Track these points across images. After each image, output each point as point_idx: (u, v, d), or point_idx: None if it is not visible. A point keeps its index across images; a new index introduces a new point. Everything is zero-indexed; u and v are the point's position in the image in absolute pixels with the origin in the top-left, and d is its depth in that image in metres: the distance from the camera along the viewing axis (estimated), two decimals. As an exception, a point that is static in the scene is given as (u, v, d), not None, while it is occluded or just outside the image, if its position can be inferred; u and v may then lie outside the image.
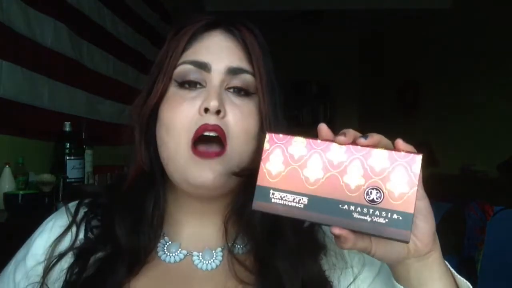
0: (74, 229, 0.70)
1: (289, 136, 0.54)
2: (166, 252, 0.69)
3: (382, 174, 0.50)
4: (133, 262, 0.66)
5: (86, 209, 0.72)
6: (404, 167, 0.50)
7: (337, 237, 0.52)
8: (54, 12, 2.15)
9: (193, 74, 0.67)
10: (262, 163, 0.54)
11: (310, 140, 0.53)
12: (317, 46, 5.39)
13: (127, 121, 0.71)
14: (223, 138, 0.64)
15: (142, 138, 0.70)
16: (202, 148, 0.64)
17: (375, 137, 0.52)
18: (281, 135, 0.54)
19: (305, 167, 0.53)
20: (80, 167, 2.12)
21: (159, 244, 0.70)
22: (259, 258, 0.66)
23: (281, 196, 0.53)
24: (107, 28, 2.81)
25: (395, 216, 0.49)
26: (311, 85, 5.83)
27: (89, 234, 0.69)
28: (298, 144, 0.53)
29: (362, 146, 0.51)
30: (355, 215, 0.50)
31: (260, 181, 0.54)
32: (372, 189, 0.50)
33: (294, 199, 0.52)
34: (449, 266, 0.60)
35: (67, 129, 2.10)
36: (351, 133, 0.53)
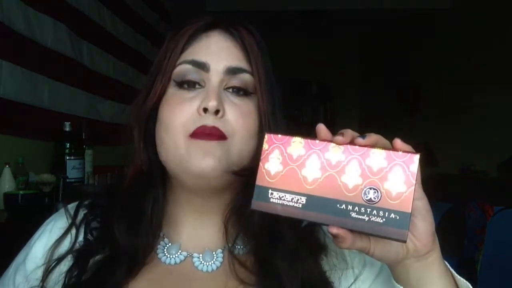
0: (73, 231, 0.70)
1: (287, 137, 0.54)
2: (166, 254, 0.69)
3: (380, 173, 0.50)
4: (132, 263, 0.66)
5: (85, 211, 0.72)
6: (401, 167, 0.50)
7: (335, 236, 0.52)
8: (54, 12, 2.15)
9: (192, 74, 0.67)
10: (261, 163, 0.55)
11: (309, 140, 0.54)
12: (317, 46, 5.39)
13: (127, 121, 0.71)
14: (222, 136, 0.64)
15: (141, 138, 0.70)
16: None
17: (373, 137, 0.53)
18: (279, 136, 0.55)
19: (304, 167, 0.53)
20: (80, 167, 2.12)
21: (159, 246, 0.70)
22: (260, 258, 0.66)
23: (279, 196, 0.53)
24: (107, 28, 2.81)
25: (392, 215, 0.49)
26: (311, 85, 5.82)
27: (89, 236, 0.69)
28: (297, 144, 0.54)
29: (360, 146, 0.52)
30: (353, 214, 0.50)
31: (259, 181, 0.54)
32: (370, 188, 0.50)
33: (292, 198, 0.53)
34: (448, 266, 0.60)
35: (67, 129, 2.11)
36: (349, 133, 0.53)
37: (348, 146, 0.52)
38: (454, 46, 4.43)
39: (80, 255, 0.67)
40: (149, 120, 0.69)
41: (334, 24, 5.05)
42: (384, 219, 0.49)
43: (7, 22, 1.83)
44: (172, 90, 0.68)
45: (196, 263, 0.68)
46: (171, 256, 0.69)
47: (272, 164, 0.54)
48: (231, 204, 0.69)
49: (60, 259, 0.67)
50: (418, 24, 4.79)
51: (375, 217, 0.50)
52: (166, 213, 0.72)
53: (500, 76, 3.97)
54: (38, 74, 2.05)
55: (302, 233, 0.67)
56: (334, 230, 0.51)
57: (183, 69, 0.67)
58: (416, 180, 0.50)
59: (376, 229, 0.50)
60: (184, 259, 0.69)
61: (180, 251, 0.69)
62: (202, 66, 0.67)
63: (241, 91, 0.67)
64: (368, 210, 0.50)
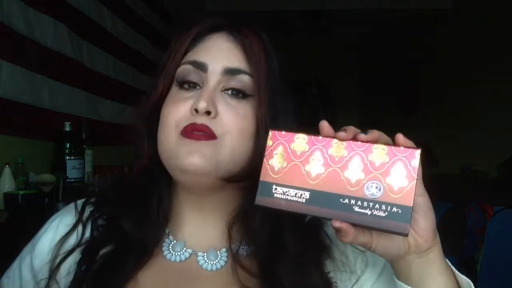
0: (80, 227, 0.71)
1: (291, 133, 0.56)
2: (171, 251, 0.70)
3: (382, 168, 0.51)
4: (140, 255, 0.67)
5: (92, 208, 0.73)
6: (403, 162, 0.51)
7: (337, 230, 0.53)
8: (54, 12, 2.15)
9: (192, 74, 0.68)
10: (265, 159, 0.56)
11: (312, 137, 0.55)
12: (317, 46, 5.39)
13: (130, 120, 0.73)
14: (211, 135, 0.64)
15: (144, 137, 0.71)
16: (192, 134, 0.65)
17: (375, 133, 0.54)
18: (283, 132, 0.56)
19: (307, 163, 0.54)
20: (80, 167, 2.12)
21: (164, 243, 0.70)
22: (263, 267, 0.66)
23: (283, 191, 0.54)
24: (107, 28, 2.81)
25: (394, 209, 0.50)
26: (311, 85, 5.82)
27: (95, 233, 0.70)
28: (300, 140, 0.55)
29: (362, 142, 0.53)
30: (356, 208, 0.51)
31: (263, 177, 0.55)
32: (372, 183, 0.51)
33: (296, 194, 0.54)
34: (449, 263, 0.60)
35: (67, 129, 2.11)
36: (351, 129, 0.54)
37: (351, 142, 0.53)
38: (454, 46, 4.44)
39: (88, 248, 0.68)
40: (152, 119, 0.70)
41: (334, 24, 5.05)
42: (386, 213, 0.50)
43: (7, 22, 1.83)
44: (174, 90, 0.69)
45: (201, 262, 0.69)
46: (176, 254, 0.69)
47: (276, 160, 0.55)
48: (236, 209, 0.69)
49: (68, 254, 0.68)
50: (418, 24, 4.79)
51: (378, 211, 0.50)
52: (171, 210, 0.72)
53: (500, 76, 3.97)
54: (38, 74, 2.04)
55: (306, 236, 0.67)
56: (337, 223, 0.52)
57: (184, 69, 0.68)
58: (417, 176, 0.50)
59: (379, 223, 0.50)
60: (189, 257, 0.69)
61: (185, 248, 0.70)
62: (201, 67, 0.67)
63: (240, 94, 0.67)
64: (371, 204, 0.51)
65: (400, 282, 0.59)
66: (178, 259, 0.69)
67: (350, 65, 5.80)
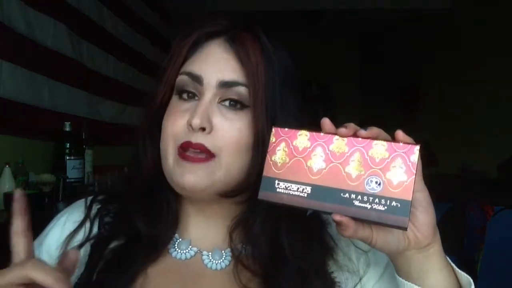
0: (87, 224, 0.71)
1: (294, 130, 0.57)
2: (177, 249, 0.70)
3: (382, 164, 0.52)
4: (151, 251, 0.68)
5: (99, 206, 0.73)
6: (402, 157, 0.52)
7: (338, 224, 0.54)
8: (54, 12, 2.15)
9: (189, 85, 0.68)
10: (268, 155, 0.58)
11: (314, 133, 0.56)
12: (317, 46, 5.38)
13: (134, 124, 0.74)
14: (208, 153, 0.65)
15: (146, 143, 0.71)
16: (189, 153, 0.65)
17: (374, 130, 0.54)
18: (286, 129, 0.58)
19: (309, 159, 0.56)
20: (80, 167, 2.13)
21: (170, 241, 0.71)
22: (265, 267, 0.67)
23: (285, 186, 0.56)
24: (107, 28, 2.81)
25: (393, 203, 0.51)
26: (311, 85, 5.82)
27: (102, 230, 0.71)
28: (302, 137, 0.57)
29: (362, 138, 0.54)
30: (356, 202, 0.52)
31: (266, 172, 0.57)
32: (372, 178, 0.52)
33: (298, 188, 0.55)
34: (449, 260, 0.61)
35: (67, 129, 2.11)
36: (352, 126, 0.55)
37: (351, 138, 0.55)
38: (454, 46, 4.43)
39: (98, 242, 0.69)
40: (152, 126, 0.71)
41: (334, 24, 5.05)
42: (385, 207, 0.51)
43: (7, 22, 1.83)
44: (174, 100, 0.69)
45: (206, 261, 0.70)
46: (181, 251, 0.70)
47: (279, 156, 0.57)
48: (237, 217, 0.70)
49: (78, 248, 0.68)
50: (418, 24, 4.79)
51: (377, 205, 0.52)
52: (178, 211, 0.73)
53: (500, 76, 3.97)
54: (38, 74, 2.04)
55: (309, 238, 0.68)
56: (337, 217, 0.53)
57: (181, 80, 0.68)
58: (416, 172, 0.51)
59: (378, 217, 0.52)
60: (194, 255, 0.70)
61: (190, 246, 0.71)
62: (196, 79, 0.67)
63: (237, 104, 0.67)
64: (371, 198, 0.52)
65: (400, 278, 0.60)
66: (183, 257, 0.70)
67: (350, 65, 5.80)
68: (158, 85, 0.70)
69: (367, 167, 0.53)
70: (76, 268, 0.54)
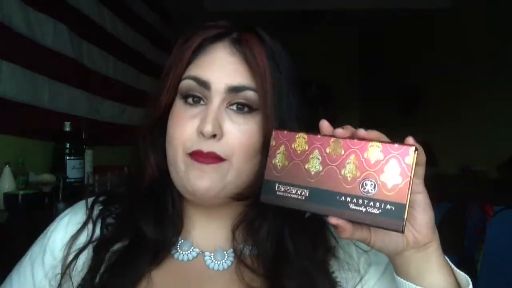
0: (90, 226, 0.71)
1: (292, 133, 0.58)
2: (179, 250, 0.70)
3: (377, 166, 0.52)
4: (155, 253, 0.68)
5: (101, 207, 0.73)
6: (397, 159, 0.51)
7: (335, 227, 0.54)
8: (54, 12, 2.15)
9: (196, 90, 0.67)
10: (268, 159, 0.59)
11: (311, 136, 0.57)
12: (317, 46, 5.39)
13: (135, 127, 0.73)
14: (219, 159, 0.65)
15: (149, 146, 0.71)
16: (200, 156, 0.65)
17: (374, 133, 0.54)
18: (285, 132, 0.58)
19: (307, 162, 0.56)
20: (80, 167, 2.13)
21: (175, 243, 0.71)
22: (267, 266, 0.67)
23: (285, 189, 0.57)
24: (107, 28, 2.81)
25: (388, 206, 0.51)
26: (311, 85, 5.82)
27: (105, 231, 0.71)
28: (300, 140, 0.57)
29: (359, 139, 0.54)
30: (351, 206, 0.53)
31: (267, 176, 0.58)
32: (367, 181, 0.52)
33: (297, 191, 0.56)
34: (448, 260, 0.61)
35: (67, 129, 2.11)
36: (350, 127, 0.55)
37: (348, 140, 0.54)
38: (454, 46, 4.44)
39: (100, 244, 0.69)
40: (156, 130, 0.70)
41: (334, 24, 5.05)
42: (380, 210, 0.51)
43: (7, 22, 1.83)
44: (178, 103, 0.68)
45: (208, 262, 0.70)
46: (183, 253, 0.70)
47: (279, 159, 0.58)
48: (240, 215, 0.70)
49: (80, 251, 0.68)
50: (418, 24, 4.79)
51: (372, 208, 0.52)
52: (180, 212, 0.73)
53: (500, 76, 3.97)
54: (38, 74, 2.04)
55: (311, 237, 0.68)
56: (333, 220, 0.53)
57: (187, 84, 0.67)
58: (414, 174, 0.51)
59: (373, 220, 0.52)
60: (196, 256, 0.70)
61: (192, 247, 0.71)
62: (204, 84, 0.66)
63: (245, 108, 0.66)
64: (366, 201, 0.52)
65: (399, 278, 0.60)
66: (185, 258, 0.70)
67: (350, 65, 5.81)
68: (160, 89, 0.70)
69: (362, 169, 0.53)
70: None
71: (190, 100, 0.67)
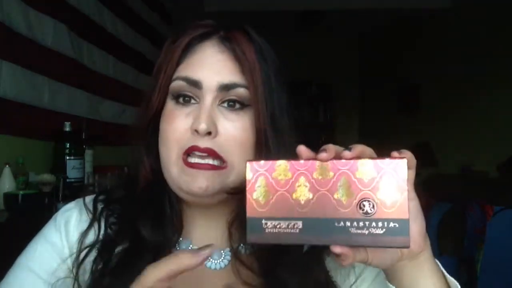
0: (96, 224, 0.71)
1: (270, 161, 0.52)
2: (178, 249, 0.70)
3: (371, 184, 0.50)
4: (155, 255, 0.67)
5: (102, 205, 0.73)
6: (391, 174, 0.49)
7: (337, 255, 0.51)
8: (54, 12, 2.15)
9: (187, 90, 0.67)
10: (248, 194, 0.52)
11: (293, 162, 0.52)
12: (317, 46, 5.39)
13: (132, 128, 0.72)
14: (218, 157, 0.64)
15: (143, 148, 0.71)
16: (195, 159, 0.65)
17: (358, 148, 0.52)
18: (262, 162, 0.52)
19: (294, 191, 0.51)
20: (80, 167, 2.13)
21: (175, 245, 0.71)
22: (264, 264, 0.67)
23: (274, 225, 0.51)
24: (107, 28, 2.81)
25: (391, 224, 0.49)
26: (311, 85, 5.83)
27: (109, 231, 0.70)
28: (282, 168, 0.52)
29: (346, 159, 0.51)
30: (352, 230, 0.50)
31: (250, 213, 0.52)
32: (365, 201, 0.50)
33: (288, 225, 0.51)
34: (440, 266, 0.61)
35: (67, 129, 2.11)
36: (331, 148, 0.51)
37: (334, 161, 0.51)
38: (454, 46, 4.44)
39: (104, 246, 0.68)
40: (149, 132, 0.70)
41: (334, 24, 5.05)
42: (384, 230, 0.49)
43: (7, 22, 1.83)
44: (170, 104, 0.68)
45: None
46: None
47: (260, 193, 0.52)
48: (235, 210, 0.69)
49: (89, 251, 0.68)
50: (418, 24, 4.79)
51: (375, 229, 0.49)
52: (181, 211, 0.73)
53: (500, 76, 3.97)
54: (38, 74, 2.04)
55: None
56: (338, 249, 0.50)
57: (177, 85, 0.67)
58: (408, 186, 0.50)
59: (378, 241, 0.49)
60: None
61: (191, 245, 0.71)
62: (195, 84, 0.66)
63: (237, 104, 0.67)
64: (367, 223, 0.49)
65: (391, 286, 0.60)
66: None
67: (350, 65, 5.81)
68: (151, 90, 0.70)
69: (356, 190, 0.50)
70: None
71: (181, 99, 0.67)
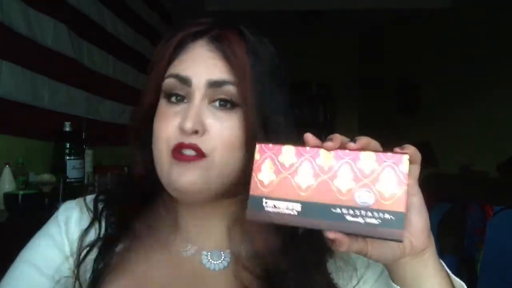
0: (96, 224, 0.71)
1: (278, 145, 0.55)
2: (177, 249, 0.70)
3: (372, 175, 0.51)
4: (154, 253, 0.68)
5: (102, 205, 0.73)
6: (392, 168, 0.51)
7: (332, 240, 0.53)
8: (54, 12, 2.15)
9: (178, 88, 0.67)
10: (253, 174, 0.55)
11: (299, 148, 0.54)
12: (317, 46, 5.39)
13: (128, 127, 0.73)
14: (200, 153, 0.64)
15: (137, 148, 0.71)
16: (183, 151, 0.65)
17: (363, 140, 0.53)
18: (270, 145, 0.55)
19: (296, 174, 0.54)
20: (80, 167, 2.13)
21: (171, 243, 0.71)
22: (265, 267, 0.66)
23: (274, 205, 0.54)
24: (107, 28, 2.81)
25: (387, 216, 0.50)
26: (311, 85, 5.82)
27: (109, 230, 0.71)
28: (288, 152, 0.54)
29: (350, 150, 0.52)
30: (348, 217, 0.51)
31: (253, 191, 0.55)
32: (363, 191, 0.51)
33: (287, 206, 0.53)
34: (444, 265, 0.61)
35: (67, 129, 2.11)
36: (338, 138, 0.53)
37: (339, 150, 0.53)
38: (454, 46, 4.44)
39: (104, 245, 0.69)
40: (143, 130, 0.70)
41: (334, 24, 5.05)
42: (379, 221, 0.50)
43: (7, 22, 1.83)
44: (162, 102, 0.68)
45: (204, 261, 0.69)
46: (181, 250, 0.70)
47: (265, 174, 0.55)
48: (234, 213, 0.69)
49: (89, 250, 0.68)
50: (418, 24, 4.79)
51: (370, 219, 0.50)
52: (176, 213, 0.73)
53: (500, 76, 3.97)
54: (38, 74, 2.05)
55: (308, 237, 0.67)
56: (331, 234, 0.52)
57: (169, 83, 0.67)
58: (407, 181, 0.50)
59: (372, 231, 0.50)
60: (193, 254, 0.70)
61: (190, 245, 0.71)
62: (184, 81, 0.66)
63: (227, 104, 0.66)
64: (363, 212, 0.51)
65: (395, 285, 0.59)
66: (184, 255, 0.70)
67: (350, 65, 5.81)
68: (145, 89, 0.70)
69: (357, 180, 0.51)
70: None
71: (173, 99, 0.67)
